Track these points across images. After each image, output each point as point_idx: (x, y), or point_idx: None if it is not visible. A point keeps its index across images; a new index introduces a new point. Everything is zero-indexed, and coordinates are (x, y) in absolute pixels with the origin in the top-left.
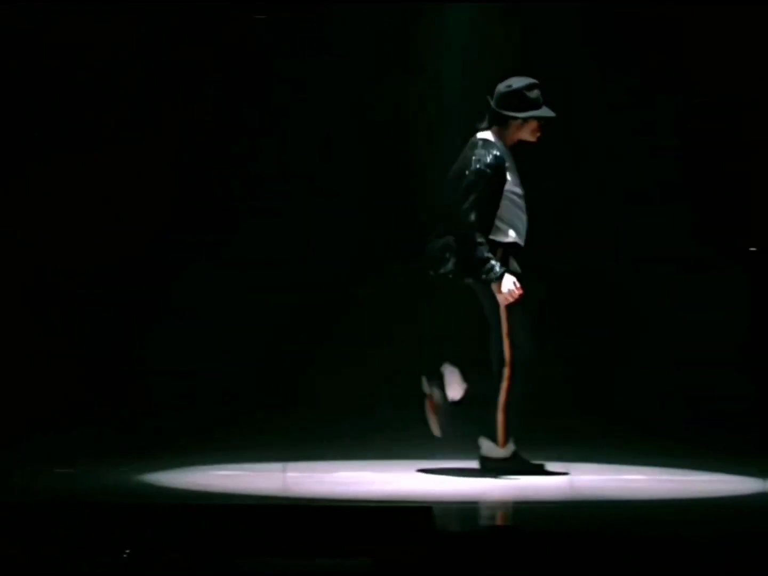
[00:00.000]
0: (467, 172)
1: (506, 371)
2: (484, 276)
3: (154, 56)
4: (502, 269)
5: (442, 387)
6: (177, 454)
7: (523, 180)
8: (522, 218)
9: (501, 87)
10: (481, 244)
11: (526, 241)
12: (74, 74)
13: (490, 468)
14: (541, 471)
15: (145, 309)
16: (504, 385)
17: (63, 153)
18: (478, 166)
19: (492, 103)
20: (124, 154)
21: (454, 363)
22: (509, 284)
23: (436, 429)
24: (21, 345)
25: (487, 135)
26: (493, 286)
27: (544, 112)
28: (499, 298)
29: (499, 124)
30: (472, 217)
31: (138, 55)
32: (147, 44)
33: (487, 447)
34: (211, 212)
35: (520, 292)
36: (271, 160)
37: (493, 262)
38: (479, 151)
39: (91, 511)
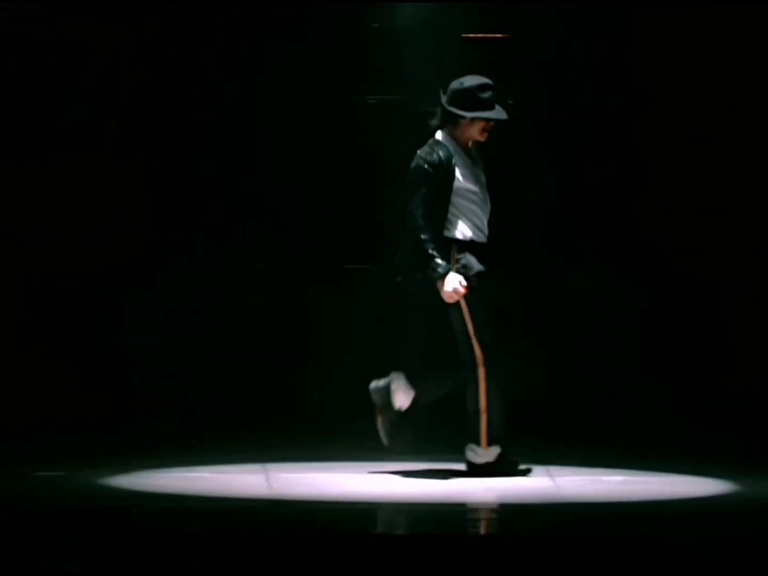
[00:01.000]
0: (410, 170)
1: (480, 372)
2: (429, 273)
3: (154, 56)
4: (446, 267)
5: (388, 396)
6: (174, 455)
7: (488, 178)
8: (479, 215)
9: (454, 84)
10: (425, 241)
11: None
12: (74, 74)
13: (479, 473)
14: (525, 474)
15: (144, 309)
16: (481, 387)
17: (63, 153)
18: (419, 163)
19: (443, 99)
20: (124, 154)
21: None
22: (454, 282)
23: (384, 438)
24: (20, 345)
25: (439, 135)
26: (438, 284)
27: (493, 113)
28: (443, 295)
29: (450, 121)
30: (417, 213)
31: (138, 55)
32: (147, 44)
33: (471, 453)
34: (211, 212)
35: (464, 291)
36: (269, 161)
37: (437, 260)
38: (425, 149)
39: (86, 512)
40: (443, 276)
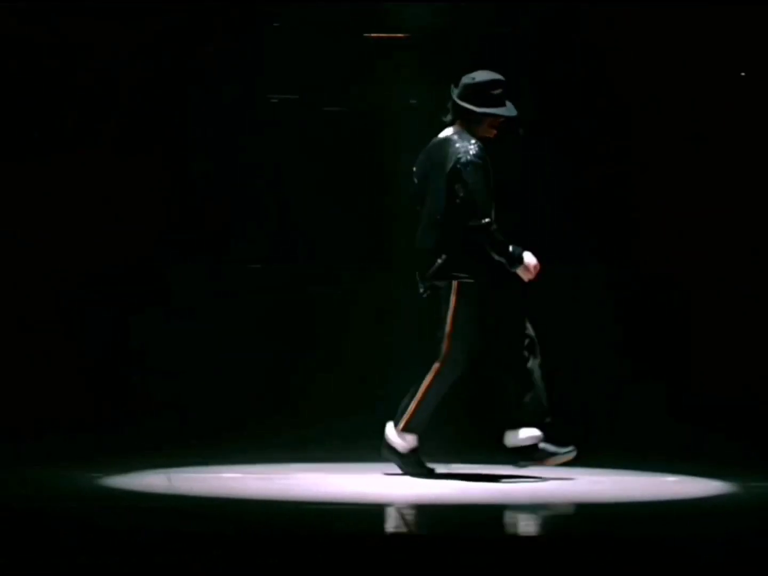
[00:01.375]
0: (458, 167)
1: (436, 365)
2: (511, 265)
3: (154, 56)
4: (519, 249)
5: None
6: (174, 455)
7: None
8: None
9: (466, 78)
10: (495, 232)
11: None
12: (74, 74)
13: (388, 453)
14: (433, 475)
15: (144, 309)
16: (429, 377)
17: (63, 153)
18: (468, 158)
19: (454, 94)
20: (124, 154)
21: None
22: (532, 260)
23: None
24: (20, 345)
25: (455, 129)
26: (519, 270)
27: (502, 110)
28: (525, 276)
29: (462, 116)
30: (483, 209)
31: (138, 55)
32: (147, 44)
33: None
34: (211, 213)
35: (538, 266)
36: (269, 162)
37: (511, 247)
38: (461, 145)
39: (86, 512)
40: (521, 260)
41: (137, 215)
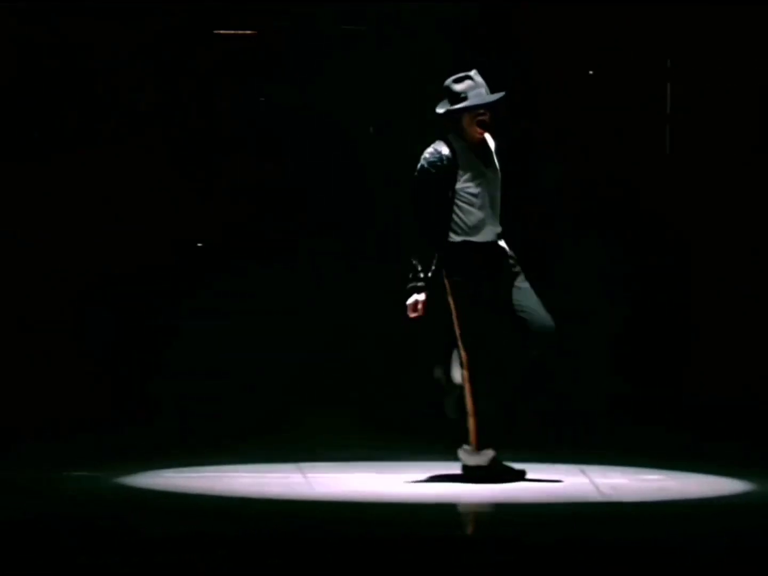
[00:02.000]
0: (416, 171)
1: (464, 374)
2: (410, 279)
3: (154, 56)
4: (412, 284)
5: (447, 371)
6: (175, 455)
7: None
8: (478, 216)
9: None
10: (421, 246)
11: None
12: (74, 74)
13: (472, 476)
14: (522, 477)
15: (144, 309)
16: (466, 389)
17: (63, 153)
18: (422, 164)
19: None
20: (124, 154)
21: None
22: (411, 300)
23: (448, 411)
24: (21, 345)
25: (450, 134)
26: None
27: (463, 104)
28: (409, 308)
29: (449, 121)
30: (415, 216)
31: (138, 55)
32: (147, 44)
33: (462, 453)
34: (211, 212)
35: (418, 314)
36: (273, 163)
37: (416, 271)
38: (429, 149)
39: (86, 512)
40: (416, 287)
41: (136, 215)
